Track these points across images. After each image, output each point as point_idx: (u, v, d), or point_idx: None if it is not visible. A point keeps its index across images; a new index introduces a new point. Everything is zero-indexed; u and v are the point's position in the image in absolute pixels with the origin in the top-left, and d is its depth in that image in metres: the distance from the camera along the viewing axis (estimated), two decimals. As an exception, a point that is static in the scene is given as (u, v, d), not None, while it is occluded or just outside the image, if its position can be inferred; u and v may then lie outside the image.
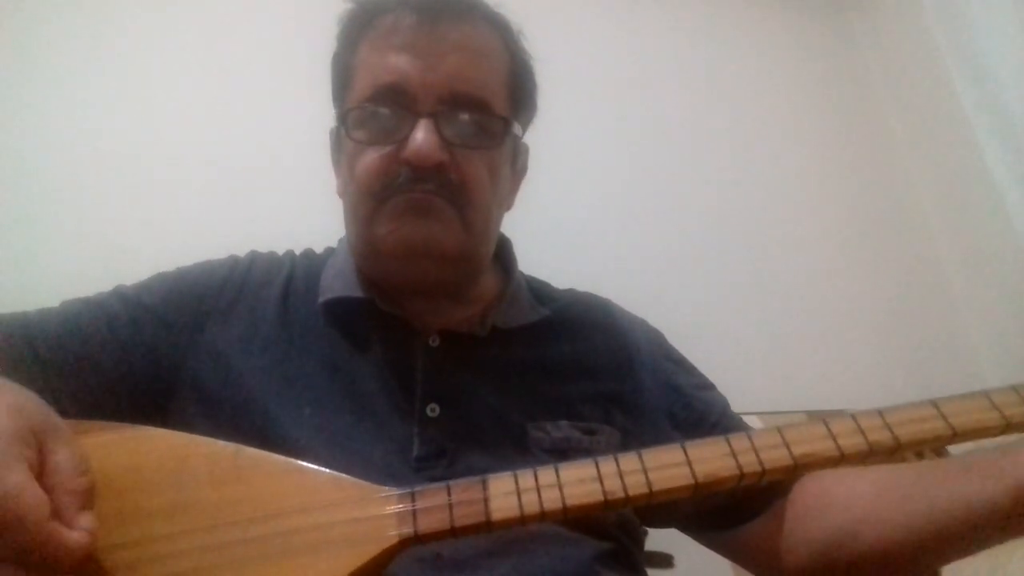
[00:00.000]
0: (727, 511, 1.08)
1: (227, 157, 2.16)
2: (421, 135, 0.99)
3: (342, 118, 1.08)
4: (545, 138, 2.33)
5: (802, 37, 3.14)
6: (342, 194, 1.12)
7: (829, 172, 2.93)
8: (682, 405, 1.13)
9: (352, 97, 1.06)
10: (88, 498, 0.68)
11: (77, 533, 0.64)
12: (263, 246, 1.22)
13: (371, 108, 1.03)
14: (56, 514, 0.63)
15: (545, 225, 2.12)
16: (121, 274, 1.12)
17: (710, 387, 1.20)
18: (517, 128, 1.12)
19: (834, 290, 2.71)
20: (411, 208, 1.01)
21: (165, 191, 2.09)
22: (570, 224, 2.37)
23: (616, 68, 2.75)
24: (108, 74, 2.16)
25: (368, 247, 1.06)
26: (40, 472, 0.65)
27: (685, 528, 1.16)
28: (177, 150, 2.15)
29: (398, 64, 1.02)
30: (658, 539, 1.17)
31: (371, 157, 1.03)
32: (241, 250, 1.20)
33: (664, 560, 1.30)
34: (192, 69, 2.25)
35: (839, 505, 0.99)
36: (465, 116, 1.04)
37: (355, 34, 1.08)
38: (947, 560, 0.88)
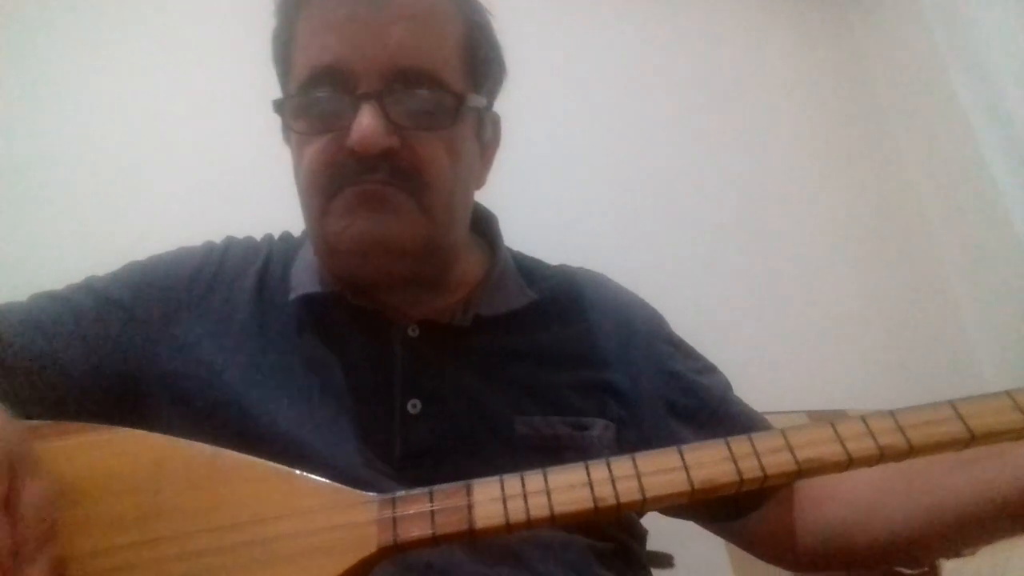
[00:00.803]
0: (732, 500, 1.03)
1: (224, 155, 2.16)
2: (365, 120, 0.90)
3: (280, 108, 0.99)
4: (548, 134, 2.35)
5: (803, 37, 3.16)
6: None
7: (829, 171, 2.94)
8: (680, 392, 1.08)
9: (292, 83, 0.97)
10: (51, 537, 0.66)
11: (36, 572, 0.63)
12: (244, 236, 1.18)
13: (309, 94, 0.94)
14: (18, 550, 0.62)
15: (546, 225, 2.11)
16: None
17: (710, 370, 1.14)
18: (477, 100, 1.01)
19: (834, 290, 2.72)
20: (362, 201, 0.93)
21: (162, 189, 2.10)
22: (569, 222, 2.36)
23: (618, 69, 2.76)
24: (105, 73, 2.17)
25: (324, 245, 0.98)
26: (7, 503, 0.64)
27: (689, 516, 1.12)
28: (174, 148, 2.15)
29: (334, 42, 0.92)
30: (658, 539, 1.15)
31: (315, 148, 0.94)
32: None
33: (664, 560, 1.27)
34: (189, 68, 2.26)
35: (845, 495, 0.97)
36: (414, 93, 0.93)
37: (291, 11, 0.98)
38: (954, 550, 0.86)
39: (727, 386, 1.13)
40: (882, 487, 0.93)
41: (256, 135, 2.14)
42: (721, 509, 1.07)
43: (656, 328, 1.16)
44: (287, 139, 1.05)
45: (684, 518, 1.12)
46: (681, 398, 1.07)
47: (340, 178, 0.93)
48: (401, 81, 0.93)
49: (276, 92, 2.15)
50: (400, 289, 1.02)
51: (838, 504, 0.97)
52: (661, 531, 1.15)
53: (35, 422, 0.75)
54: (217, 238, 1.15)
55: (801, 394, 2.26)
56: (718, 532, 1.12)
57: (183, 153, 2.14)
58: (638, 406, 1.05)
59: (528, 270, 1.15)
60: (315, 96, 0.94)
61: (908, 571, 2.07)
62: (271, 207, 1.96)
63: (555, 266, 1.20)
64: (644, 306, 1.19)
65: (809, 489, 1.02)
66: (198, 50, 2.27)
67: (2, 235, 1.90)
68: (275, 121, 2.15)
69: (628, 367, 1.07)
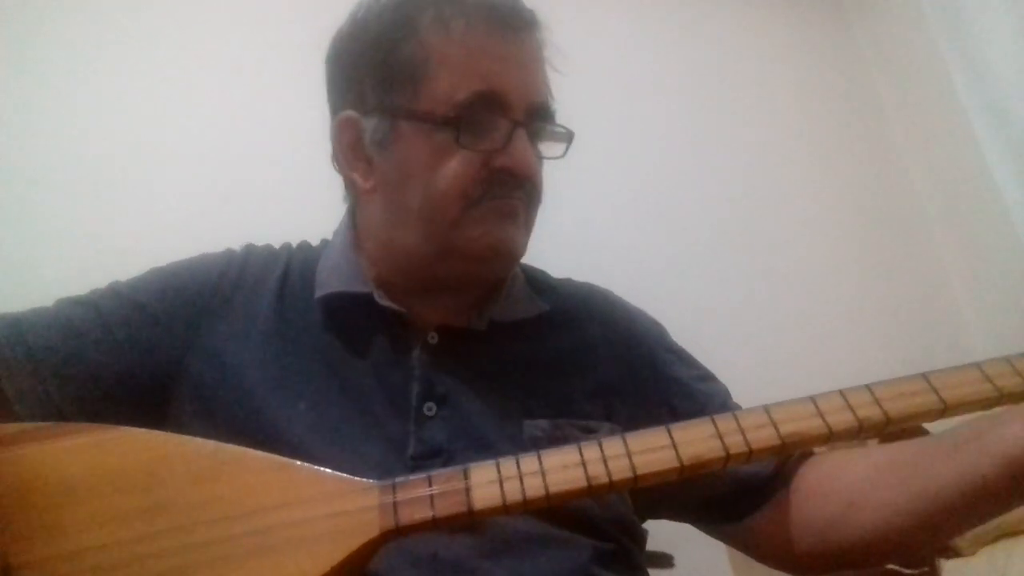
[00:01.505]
0: (730, 503, 1.07)
1: (226, 156, 2.16)
2: (527, 146, 1.02)
3: (418, 115, 1.02)
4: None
5: (803, 38, 3.15)
6: (372, 190, 1.08)
7: (830, 171, 2.93)
8: (682, 397, 1.12)
9: (429, 95, 1.01)
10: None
11: None
12: (262, 243, 1.20)
13: (476, 113, 1.01)
14: None
15: (546, 223, 2.12)
16: (120, 275, 1.10)
17: (710, 378, 1.18)
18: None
19: (834, 289, 2.71)
20: (505, 214, 1.02)
21: (164, 190, 2.09)
22: (569, 222, 2.37)
23: (618, 70, 2.75)
24: (107, 73, 2.16)
25: (443, 248, 1.03)
26: None
27: (689, 520, 1.15)
28: (176, 149, 2.14)
29: (497, 71, 1.01)
30: (658, 539, 1.16)
31: (463, 160, 1.00)
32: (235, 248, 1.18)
33: (664, 560, 1.28)
34: (191, 68, 2.24)
35: (837, 491, 0.99)
36: (544, 127, 1.07)
37: (416, 26, 1.03)
38: (946, 537, 0.89)
39: (727, 393, 1.16)
40: (874, 481, 0.95)
41: (259, 138, 2.17)
42: (720, 511, 1.09)
43: (658, 338, 1.20)
44: (370, 152, 1.07)
45: (684, 521, 1.15)
46: (682, 403, 1.11)
47: (490, 191, 1.01)
48: (538, 115, 1.06)
49: (277, 92, 2.14)
50: (432, 293, 1.08)
51: (833, 500, 0.99)
52: (661, 531, 1.16)
53: (42, 423, 0.77)
54: (221, 241, 1.17)
55: (800, 393, 2.25)
56: (718, 536, 1.14)
57: (187, 156, 2.13)
58: (642, 411, 1.07)
59: (535, 280, 1.20)
60: (477, 115, 1.00)
61: (908, 571, 2.07)
62: (273, 209, 1.99)
63: (561, 279, 1.25)
64: (647, 318, 1.24)
65: (804, 488, 1.03)
66: (201, 53, 2.25)
67: (3, 237, 1.90)
68: (276, 125, 2.16)
69: (633, 374, 1.11)
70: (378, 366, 1.02)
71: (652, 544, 1.12)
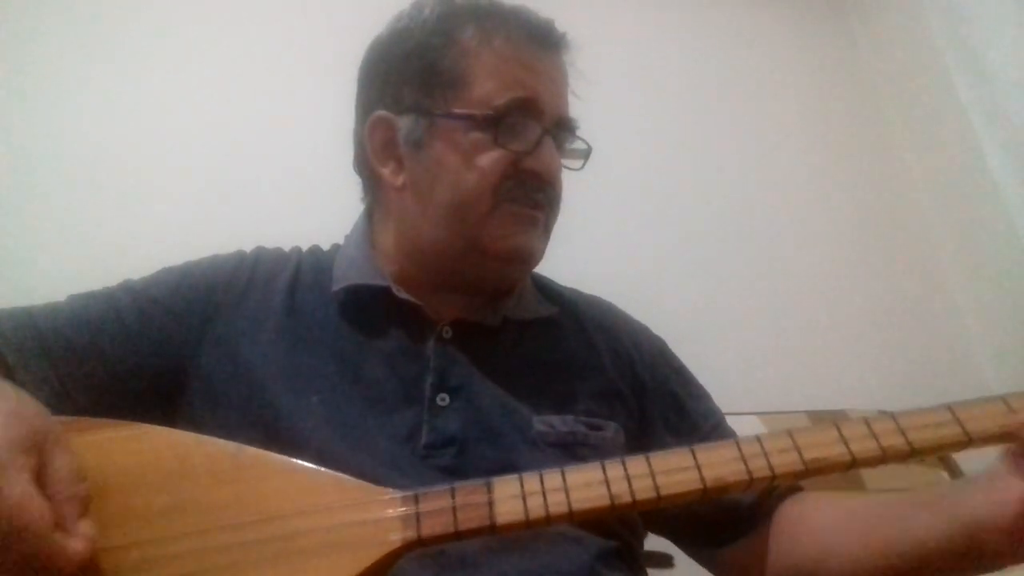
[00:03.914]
0: (711, 529, 1.10)
1: (228, 157, 2.16)
2: (553, 152, 1.09)
3: (458, 115, 1.08)
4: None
5: (803, 39, 3.14)
6: (401, 188, 1.12)
7: (829, 172, 2.92)
8: (677, 411, 1.16)
9: (469, 98, 1.08)
10: (86, 504, 0.68)
11: (77, 541, 0.65)
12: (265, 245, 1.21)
13: (513, 116, 1.07)
14: (57, 521, 0.64)
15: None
16: (122, 275, 1.11)
17: (706, 397, 1.22)
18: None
19: (834, 290, 2.71)
20: (528, 221, 1.08)
21: (166, 191, 2.09)
22: (570, 222, 2.37)
23: (619, 69, 2.74)
24: (110, 73, 2.16)
25: (468, 243, 1.08)
26: (40, 478, 0.65)
27: (670, 536, 1.18)
28: (178, 150, 2.15)
29: (531, 82, 1.08)
30: (658, 539, 1.18)
31: (498, 157, 1.06)
32: (243, 249, 1.20)
33: (664, 560, 1.30)
34: (194, 69, 2.25)
35: (810, 534, 1.02)
36: (567, 138, 1.15)
37: (459, 37, 1.10)
38: None
39: (721, 415, 1.20)
40: (845, 531, 0.98)
41: (262, 139, 2.17)
42: (701, 535, 1.12)
43: (660, 353, 1.24)
44: (403, 150, 1.11)
45: (665, 537, 1.18)
46: (676, 417, 1.16)
47: (516, 190, 1.07)
48: (564, 126, 1.14)
49: (281, 94, 2.13)
50: (447, 291, 1.12)
51: (805, 544, 1.02)
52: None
53: (61, 418, 0.76)
54: (223, 243, 1.19)
55: (801, 394, 2.26)
56: (696, 558, 1.17)
57: (186, 155, 2.14)
58: (642, 418, 1.13)
59: (544, 288, 1.25)
60: (513, 118, 1.07)
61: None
62: (276, 211, 1.99)
63: (568, 288, 1.29)
64: (650, 333, 1.28)
65: (780, 527, 1.06)
66: (201, 51, 2.26)
67: (5, 236, 1.91)
68: (279, 126, 2.15)
69: (634, 383, 1.15)
70: (392, 357, 1.05)
71: (652, 544, 1.15)
